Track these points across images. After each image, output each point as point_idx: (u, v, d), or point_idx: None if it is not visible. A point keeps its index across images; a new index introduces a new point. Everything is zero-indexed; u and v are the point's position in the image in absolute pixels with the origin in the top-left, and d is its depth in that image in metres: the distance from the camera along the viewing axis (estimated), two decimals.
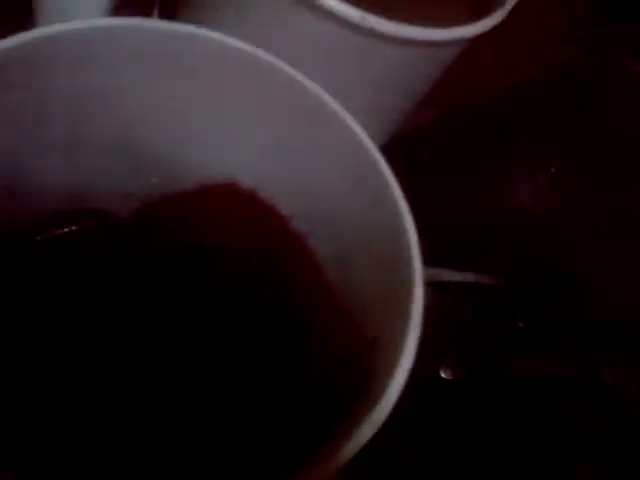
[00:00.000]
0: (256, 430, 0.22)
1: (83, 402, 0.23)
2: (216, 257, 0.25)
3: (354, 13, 0.24)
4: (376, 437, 0.17)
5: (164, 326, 0.24)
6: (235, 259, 0.25)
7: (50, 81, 0.21)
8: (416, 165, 0.42)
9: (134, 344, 0.24)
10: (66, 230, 0.25)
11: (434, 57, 0.26)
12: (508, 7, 0.27)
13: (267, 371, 0.23)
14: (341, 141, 0.21)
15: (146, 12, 0.31)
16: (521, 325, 0.40)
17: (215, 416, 0.23)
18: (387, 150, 0.38)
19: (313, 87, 0.21)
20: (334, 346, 0.22)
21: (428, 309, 0.41)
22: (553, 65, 0.46)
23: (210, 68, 0.22)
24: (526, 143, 0.45)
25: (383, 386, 0.17)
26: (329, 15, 0.24)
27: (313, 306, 0.23)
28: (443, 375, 0.38)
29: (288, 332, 0.24)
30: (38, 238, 0.26)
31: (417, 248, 0.20)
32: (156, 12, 0.31)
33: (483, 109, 0.44)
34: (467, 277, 0.41)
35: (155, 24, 0.21)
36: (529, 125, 0.45)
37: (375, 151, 0.21)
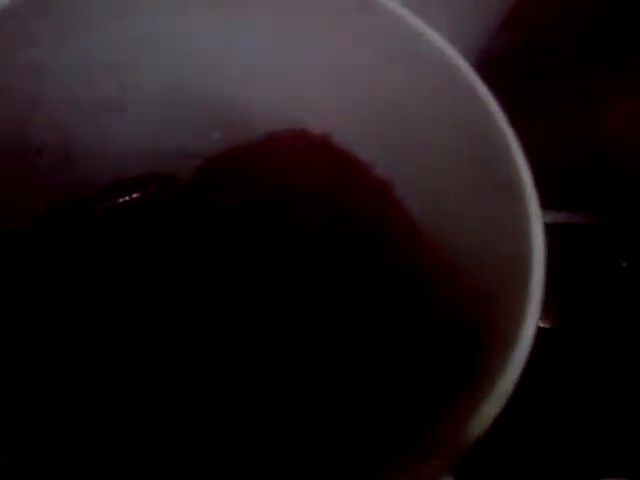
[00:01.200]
0: (373, 399, 0.19)
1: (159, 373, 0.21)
2: (294, 207, 0.22)
3: None
4: None
5: (250, 282, 0.22)
6: (313, 207, 0.22)
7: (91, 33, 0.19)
8: (501, 93, 0.39)
9: (216, 312, 0.22)
10: (128, 198, 0.24)
11: None
12: None
13: (375, 329, 0.21)
14: (433, 73, 0.18)
15: None
16: (624, 265, 0.37)
17: (313, 387, 0.20)
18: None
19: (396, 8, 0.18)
20: (441, 304, 0.19)
21: None
22: None
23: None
24: (618, 65, 0.41)
25: (502, 361, 0.14)
26: None
27: (406, 257, 0.20)
28: (542, 325, 0.36)
29: (388, 285, 0.21)
30: (101, 207, 0.24)
31: (533, 192, 0.17)
32: None
33: (568, 31, 0.40)
34: (561, 217, 0.38)
35: None
36: (621, 48, 0.41)
37: (476, 80, 0.17)
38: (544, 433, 0.32)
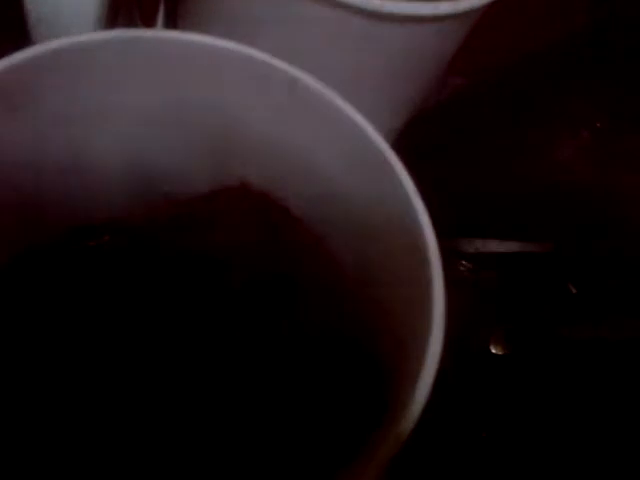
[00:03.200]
0: (282, 435, 0.21)
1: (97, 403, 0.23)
2: (228, 263, 0.24)
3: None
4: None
5: (175, 327, 0.24)
6: (249, 265, 0.24)
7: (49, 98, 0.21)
8: (450, 134, 0.41)
9: (146, 352, 0.24)
10: (83, 245, 0.25)
11: (446, 31, 0.25)
12: None
13: (294, 376, 0.23)
14: (347, 136, 0.20)
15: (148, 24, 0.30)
16: (574, 291, 0.38)
17: (236, 417, 0.22)
18: (416, 123, 0.37)
19: (314, 85, 0.20)
20: (361, 348, 0.21)
21: (473, 284, 0.40)
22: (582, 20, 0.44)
23: (208, 75, 0.21)
24: (566, 101, 0.43)
25: (407, 397, 0.16)
26: (339, 4, 0.22)
27: (332, 311, 0.22)
28: (494, 351, 0.37)
29: (308, 336, 0.23)
30: (58, 253, 0.26)
31: (435, 245, 0.19)
32: (160, 24, 0.31)
33: (513, 71, 0.42)
34: (513, 246, 0.39)
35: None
36: (568, 81, 0.43)
37: (383, 145, 0.20)
38: (494, 457, 0.33)
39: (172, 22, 0.30)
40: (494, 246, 0.40)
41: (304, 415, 0.22)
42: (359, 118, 0.20)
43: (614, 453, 0.33)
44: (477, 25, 0.27)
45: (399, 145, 0.21)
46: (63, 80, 0.21)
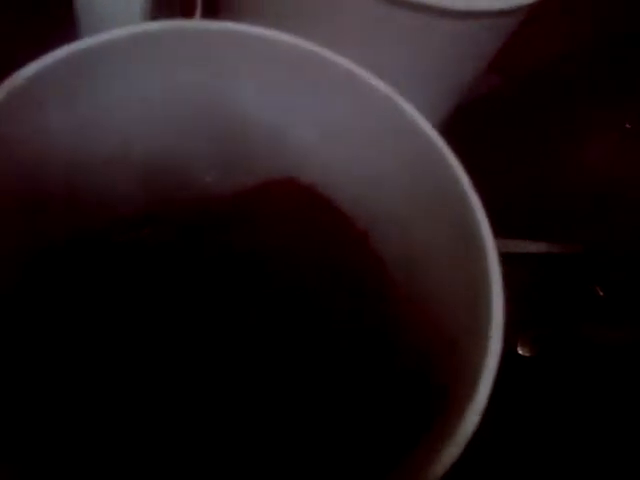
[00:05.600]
0: (337, 437, 0.21)
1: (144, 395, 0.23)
2: (277, 256, 0.24)
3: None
4: None
5: (232, 327, 0.24)
6: (298, 257, 0.24)
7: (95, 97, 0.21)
8: (481, 132, 0.40)
9: (198, 348, 0.23)
10: (124, 238, 0.25)
11: (497, 27, 0.24)
12: None
13: (351, 373, 0.22)
14: (403, 133, 0.20)
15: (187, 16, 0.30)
16: (601, 294, 0.38)
17: (288, 420, 0.22)
18: (451, 119, 0.37)
19: (374, 81, 0.20)
20: (409, 351, 0.21)
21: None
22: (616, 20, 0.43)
23: (267, 67, 0.21)
24: (597, 102, 0.42)
25: (463, 407, 0.16)
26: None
27: (382, 306, 0.22)
28: (521, 352, 0.37)
29: (359, 333, 0.23)
30: (99, 245, 0.25)
31: (492, 245, 0.18)
32: (198, 14, 0.30)
33: (546, 71, 0.42)
34: (540, 247, 0.39)
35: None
36: (599, 83, 0.42)
37: (440, 142, 0.19)
38: (522, 458, 0.33)
39: (211, 17, 0.30)
40: (524, 246, 0.40)
41: (343, 421, 0.21)
42: (411, 110, 0.20)
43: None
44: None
45: None
46: (116, 69, 0.20)
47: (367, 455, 0.19)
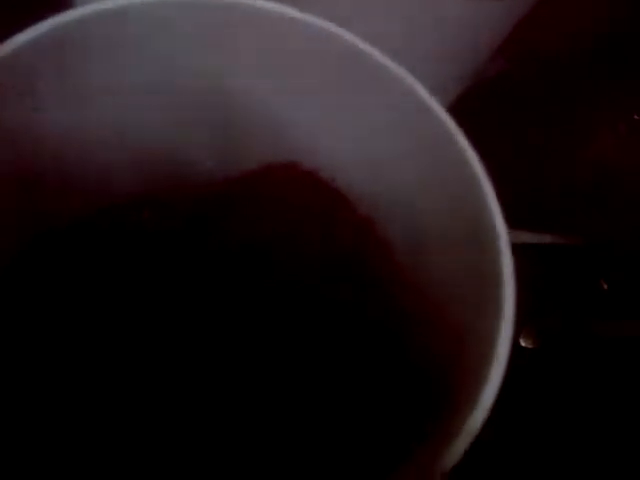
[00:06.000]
0: (338, 433, 0.20)
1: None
2: (279, 243, 0.23)
3: None
4: None
5: (233, 317, 0.23)
6: (300, 244, 0.23)
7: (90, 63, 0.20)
8: (487, 118, 0.40)
9: (200, 338, 0.23)
10: (123, 221, 0.24)
11: (510, 7, 0.24)
12: None
13: (355, 366, 0.22)
14: (413, 116, 0.19)
15: None
16: (605, 287, 0.38)
17: (294, 414, 0.21)
18: (458, 103, 0.36)
19: (381, 58, 0.19)
20: (415, 341, 0.20)
21: None
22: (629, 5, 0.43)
23: (278, 46, 0.21)
24: (605, 92, 0.42)
25: (474, 397, 0.15)
26: None
27: (388, 295, 0.21)
28: (524, 344, 0.36)
29: (365, 324, 0.22)
30: (99, 227, 0.25)
31: (504, 232, 0.18)
32: None
33: (555, 59, 0.41)
34: (546, 238, 0.39)
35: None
36: (608, 73, 0.42)
37: (452, 125, 0.19)
38: (523, 451, 0.33)
39: None
40: (527, 237, 0.39)
41: (346, 417, 0.21)
42: (423, 92, 0.19)
43: None
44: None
45: None
46: (111, 43, 0.20)
47: (370, 452, 0.19)
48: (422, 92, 0.19)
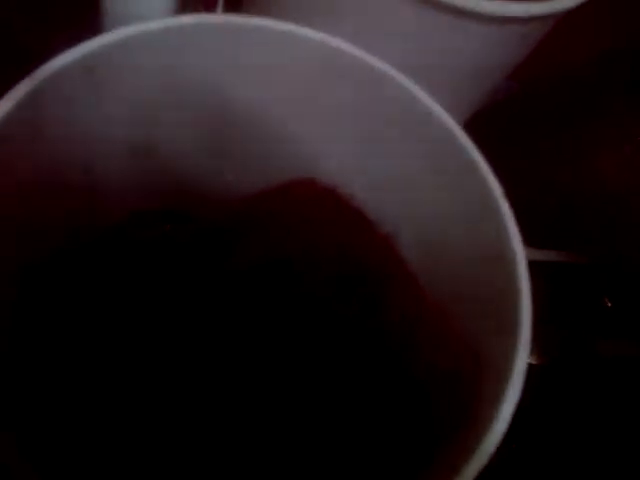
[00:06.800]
0: (353, 450, 0.21)
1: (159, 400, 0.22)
2: (297, 259, 0.24)
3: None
4: None
5: (252, 331, 0.24)
6: (318, 262, 0.23)
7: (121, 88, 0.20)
8: (495, 139, 0.40)
9: (219, 352, 0.23)
10: (144, 233, 0.25)
11: (528, 33, 0.24)
12: None
13: (364, 384, 0.22)
14: (432, 138, 0.20)
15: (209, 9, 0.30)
16: (609, 304, 0.38)
17: (303, 430, 0.22)
18: (469, 126, 0.36)
19: (399, 78, 0.20)
20: (433, 360, 0.21)
21: None
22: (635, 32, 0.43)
23: (293, 64, 0.21)
24: (610, 113, 0.42)
25: (490, 416, 0.16)
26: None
27: (406, 315, 0.22)
28: (529, 361, 0.36)
29: (382, 340, 0.22)
30: (118, 240, 0.25)
31: (522, 255, 0.18)
32: (220, 9, 0.30)
33: (563, 80, 0.42)
34: (550, 255, 0.39)
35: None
36: (613, 95, 0.42)
37: (472, 148, 0.19)
38: (527, 468, 0.33)
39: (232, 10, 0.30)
40: (532, 255, 0.39)
41: (358, 433, 0.21)
42: (438, 110, 0.20)
43: None
44: None
45: None
46: (144, 62, 0.20)
47: (380, 470, 0.19)
48: (447, 119, 0.19)
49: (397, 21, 0.23)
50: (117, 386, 0.22)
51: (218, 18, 0.20)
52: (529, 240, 0.38)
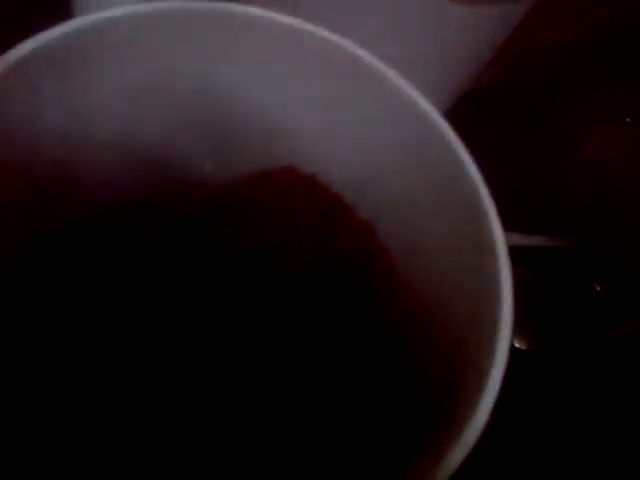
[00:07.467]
0: (336, 440, 0.20)
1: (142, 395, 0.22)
2: (281, 246, 0.23)
3: None
4: None
5: (233, 322, 0.23)
6: (298, 249, 0.23)
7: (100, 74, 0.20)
8: (480, 123, 0.40)
9: (197, 343, 0.23)
10: (119, 225, 0.24)
11: (509, 15, 0.24)
12: None
13: (347, 370, 0.22)
14: (410, 121, 0.19)
15: None
16: (598, 289, 0.38)
17: (287, 419, 0.21)
18: (451, 111, 0.36)
19: (375, 63, 0.19)
20: (414, 347, 0.20)
21: None
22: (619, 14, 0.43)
23: (278, 54, 0.21)
24: (596, 95, 0.42)
25: (472, 403, 0.15)
26: None
27: (387, 302, 0.22)
28: (517, 345, 0.36)
29: (361, 327, 0.22)
30: (98, 231, 0.25)
31: (501, 235, 0.18)
32: None
33: (548, 63, 0.41)
34: (539, 241, 0.39)
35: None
36: (598, 76, 0.42)
37: (450, 132, 0.19)
38: (520, 453, 0.33)
39: None
40: (519, 240, 0.39)
41: (343, 422, 0.21)
42: (419, 98, 0.19)
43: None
44: None
45: None
46: (113, 51, 0.20)
47: (366, 458, 0.19)
48: (419, 100, 0.19)
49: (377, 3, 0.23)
50: (103, 382, 0.22)
51: (186, 4, 0.20)
52: (518, 225, 0.38)
